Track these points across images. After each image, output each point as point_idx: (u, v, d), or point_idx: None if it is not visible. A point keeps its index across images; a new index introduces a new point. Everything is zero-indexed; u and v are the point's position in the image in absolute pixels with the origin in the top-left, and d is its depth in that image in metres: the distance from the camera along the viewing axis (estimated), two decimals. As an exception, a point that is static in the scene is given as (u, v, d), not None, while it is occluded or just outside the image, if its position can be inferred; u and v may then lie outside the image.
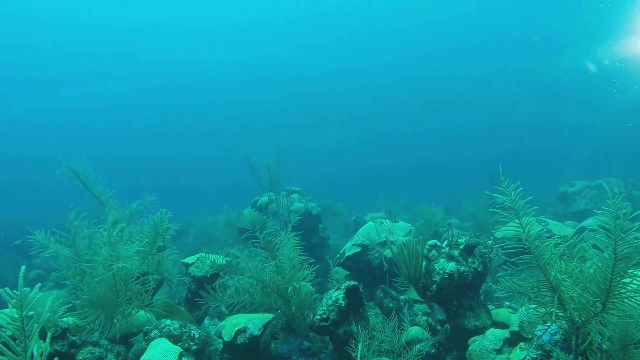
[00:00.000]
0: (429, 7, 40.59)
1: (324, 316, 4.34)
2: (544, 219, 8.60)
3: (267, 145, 9.94)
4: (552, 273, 2.71)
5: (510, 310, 5.69)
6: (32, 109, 45.82)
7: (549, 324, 2.92)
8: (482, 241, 5.28)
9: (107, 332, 3.97)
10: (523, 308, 5.24)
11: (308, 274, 4.69)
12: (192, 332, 4.07)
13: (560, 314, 2.76)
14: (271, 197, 9.59)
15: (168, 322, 3.99)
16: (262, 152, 9.98)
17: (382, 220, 7.39)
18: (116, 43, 42.12)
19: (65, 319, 4.01)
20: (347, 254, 7.45)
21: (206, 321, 5.82)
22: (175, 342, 4.01)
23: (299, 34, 44.45)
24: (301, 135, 47.39)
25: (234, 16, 42.18)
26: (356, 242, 7.38)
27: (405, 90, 50.59)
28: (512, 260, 3.03)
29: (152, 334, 3.85)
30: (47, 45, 40.51)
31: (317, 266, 4.90)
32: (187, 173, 56.04)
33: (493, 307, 5.78)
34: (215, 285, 4.57)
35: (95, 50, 41.99)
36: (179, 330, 3.94)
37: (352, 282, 4.54)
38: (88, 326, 3.93)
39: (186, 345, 4.08)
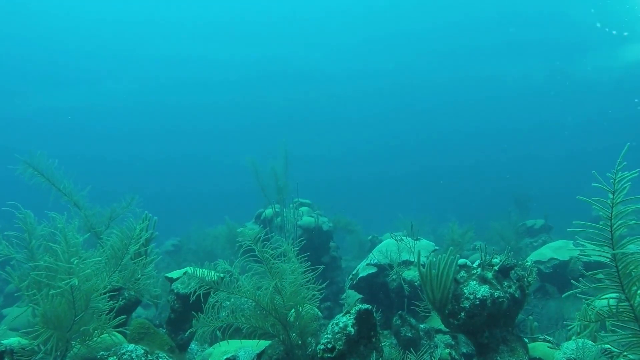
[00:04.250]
0: (452, 8, 37.82)
1: (329, 346, 3.59)
2: (580, 241, 7.69)
3: (274, 151, 9.04)
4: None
5: (549, 344, 4.89)
6: (34, 108, 43.55)
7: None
8: (519, 262, 4.48)
9: (60, 356, 3.24)
10: (568, 343, 4.43)
11: (314, 293, 3.94)
12: (161, 360, 3.33)
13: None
14: (277, 210, 8.85)
15: (131, 347, 3.25)
16: (269, 157, 9.11)
17: (403, 237, 6.58)
18: (116, 41, 40.10)
19: (7, 340, 3.29)
20: (360, 275, 6.64)
21: (193, 346, 5.05)
22: (138, 372, 3.25)
23: (311, 32, 41.36)
24: (313, 141, 45.11)
25: (242, 13, 39.64)
26: (372, 261, 6.57)
27: (427, 98, 47.41)
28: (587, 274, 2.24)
29: (109, 362, 3.14)
30: (48, 43, 39.14)
31: (324, 284, 4.13)
32: (184, 182, 51.26)
33: (526, 340, 4.98)
34: (205, 304, 3.86)
35: (94, 49, 40.05)
36: (143, 358, 3.20)
37: (364, 306, 3.79)
38: (38, 349, 3.21)
39: (150, 376, 3.32)
